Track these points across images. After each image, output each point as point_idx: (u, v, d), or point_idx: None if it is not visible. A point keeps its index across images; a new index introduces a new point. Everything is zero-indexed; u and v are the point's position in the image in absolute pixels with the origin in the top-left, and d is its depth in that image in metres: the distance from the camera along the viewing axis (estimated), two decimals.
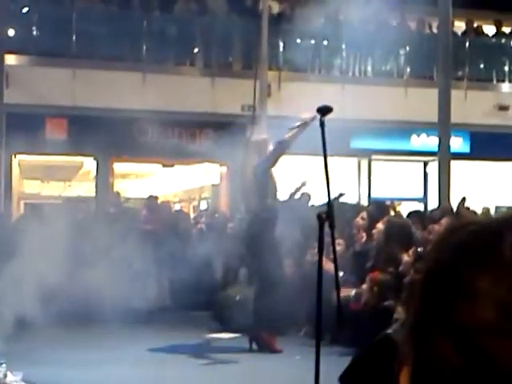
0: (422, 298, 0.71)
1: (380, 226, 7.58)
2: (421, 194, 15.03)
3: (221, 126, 12.62)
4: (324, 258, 7.77)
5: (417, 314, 0.71)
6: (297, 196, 10.93)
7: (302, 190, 10.91)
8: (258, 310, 6.92)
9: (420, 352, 0.70)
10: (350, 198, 12.56)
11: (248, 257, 7.32)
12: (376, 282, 6.72)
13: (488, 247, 0.69)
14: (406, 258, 6.58)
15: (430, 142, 13.81)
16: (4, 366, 4.74)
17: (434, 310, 0.69)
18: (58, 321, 7.38)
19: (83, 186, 14.78)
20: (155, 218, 10.14)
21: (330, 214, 3.63)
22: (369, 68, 14.73)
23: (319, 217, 3.65)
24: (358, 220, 8.47)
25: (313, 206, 10.90)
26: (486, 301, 0.66)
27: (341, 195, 10.38)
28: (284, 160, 14.36)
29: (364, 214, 8.59)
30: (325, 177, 3.87)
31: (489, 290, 0.67)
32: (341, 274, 6.92)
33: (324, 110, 3.95)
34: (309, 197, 11.12)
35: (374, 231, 7.75)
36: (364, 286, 6.85)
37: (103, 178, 13.41)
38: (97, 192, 13.40)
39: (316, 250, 8.41)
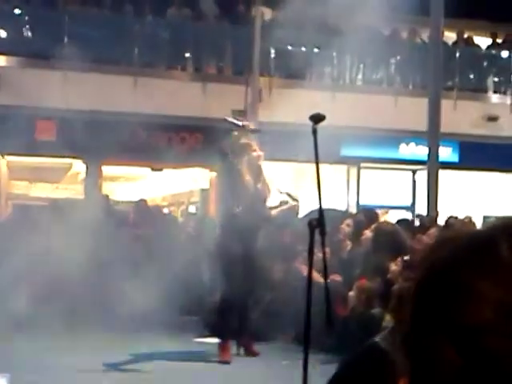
0: (417, 304, 0.72)
1: (368, 233, 7.60)
2: (409, 203, 15.09)
3: (211, 130, 12.63)
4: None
5: (412, 321, 0.72)
6: (285, 206, 10.97)
7: (291, 200, 10.96)
8: (242, 316, 6.97)
9: (419, 358, 0.71)
10: (338, 205, 12.61)
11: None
12: (364, 289, 6.74)
13: (485, 250, 0.71)
14: (393, 266, 6.61)
15: (419, 150, 13.88)
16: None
17: (432, 315, 0.71)
18: (42, 324, 7.39)
19: (71, 188, 14.75)
20: (144, 221, 10.13)
21: (320, 221, 3.64)
22: (359, 76, 14.79)
23: (310, 224, 3.67)
24: (344, 227, 8.50)
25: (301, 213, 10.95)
26: (485, 302, 0.68)
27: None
28: (274, 166, 14.43)
29: (349, 221, 8.62)
30: (316, 184, 3.88)
31: (488, 292, 0.68)
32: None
33: (317, 118, 3.96)
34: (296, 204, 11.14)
35: (363, 238, 7.77)
36: (351, 293, 6.87)
37: (92, 180, 13.40)
38: (85, 194, 13.37)
39: (305, 257, 8.47)
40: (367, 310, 6.61)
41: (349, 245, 8.18)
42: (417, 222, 10.16)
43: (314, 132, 3.93)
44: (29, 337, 6.82)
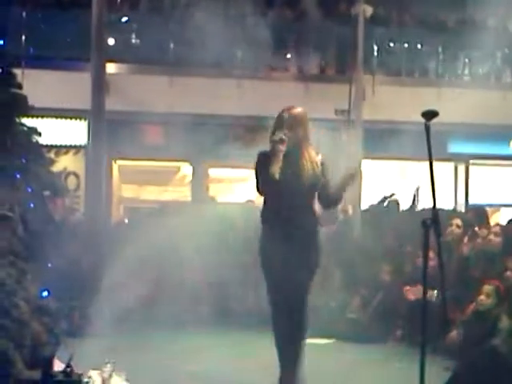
0: None
1: (484, 231, 7.43)
2: None
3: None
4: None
5: None
6: (385, 203, 10.88)
7: (391, 198, 10.86)
8: None
9: None
10: (446, 204, 12.35)
11: None
12: (487, 291, 6.61)
13: None
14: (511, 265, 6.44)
15: None
16: (109, 365, 4.87)
17: None
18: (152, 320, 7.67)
19: (179, 191, 15.08)
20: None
21: (435, 220, 3.58)
22: (465, 71, 14.45)
23: (424, 223, 3.61)
24: (454, 229, 8.28)
25: (403, 211, 10.83)
26: None
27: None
28: (378, 165, 14.22)
29: (459, 221, 8.39)
30: (430, 182, 3.83)
31: None
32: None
33: (429, 115, 3.91)
34: (397, 203, 11.05)
35: (492, 237, 7.59)
36: (482, 297, 6.71)
37: (199, 182, 13.66)
38: (192, 196, 13.65)
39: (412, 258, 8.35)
40: (487, 311, 6.47)
41: (465, 245, 7.98)
42: None
43: (427, 129, 3.88)
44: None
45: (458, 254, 7.89)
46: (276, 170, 4.93)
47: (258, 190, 5.04)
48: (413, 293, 7.74)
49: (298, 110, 5.25)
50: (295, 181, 4.99)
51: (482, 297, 6.64)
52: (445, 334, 6.37)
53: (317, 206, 5.20)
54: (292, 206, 4.94)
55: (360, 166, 5.77)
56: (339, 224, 10.35)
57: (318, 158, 5.14)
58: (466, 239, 8.00)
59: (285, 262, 4.87)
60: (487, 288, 6.67)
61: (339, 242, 9.67)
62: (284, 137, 4.97)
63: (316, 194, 5.10)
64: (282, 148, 4.96)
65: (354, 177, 5.11)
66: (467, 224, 8.31)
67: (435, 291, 6.76)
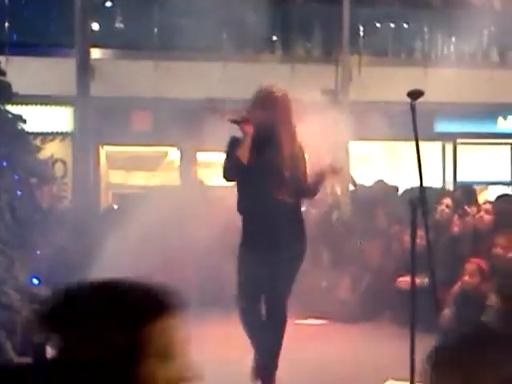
0: None
1: (485, 213, 7.45)
2: (508, 178, 14.66)
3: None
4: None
5: None
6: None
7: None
8: None
9: None
10: (434, 183, 12.38)
11: None
12: (474, 270, 6.64)
13: None
14: (500, 242, 6.47)
15: None
16: None
17: None
18: None
19: (168, 176, 15.05)
20: None
21: (423, 200, 3.58)
22: (452, 50, 14.43)
23: (411, 202, 3.61)
24: (444, 208, 8.28)
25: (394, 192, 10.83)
26: None
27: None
28: (366, 146, 14.24)
29: (449, 201, 8.39)
30: (417, 161, 3.83)
31: None
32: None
33: (415, 94, 3.91)
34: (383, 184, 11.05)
35: (481, 215, 7.59)
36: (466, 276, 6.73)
37: (186, 167, 13.63)
38: (181, 181, 13.63)
39: (401, 237, 8.36)
40: (473, 290, 6.50)
41: (454, 224, 7.97)
42: None
43: (413, 108, 3.87)
44: None
45: (449, 233, 7.91)
46: (243, 153, 4.52)
47: (224, 175, 4.66)
48: (406, 284, 7.76)
49: (275, 89, 4.81)
50: (268, 167, 4.56)
51: (466, 277, 6.67)
52: (436, 314, 6.39)
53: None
54: (264, 194, 4.53)
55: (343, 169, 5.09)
56: (328, 206, 10.35)
57: (299, 145, 4.72)
58: (455, 218, 8.01)
59: (260, 259, 4.49)
60: (470, 267, 6.69)
61: (329, 223, 9.69)
62: (240, 117, 4.54)
63: (292, 181, 4.64)
64: (248, 129, 4.53)
65: (336, 174, 4.75)
66: (456, 203, 8.32)
67: (426, 279, 6.79)
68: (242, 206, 4.70)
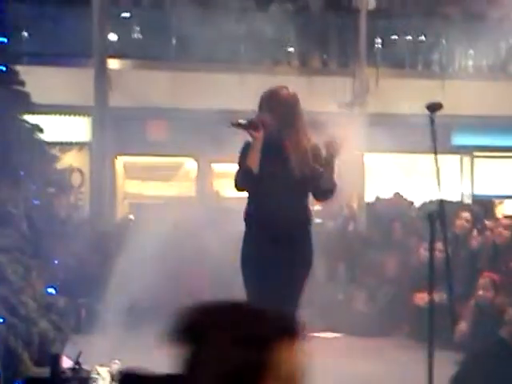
0: None
1: (491, 224, 7.40)
2: None
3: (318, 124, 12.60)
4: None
5: None
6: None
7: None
8: None
9: None
10: (452, 196, 12.31)
11: None
12: (491, 283, 6.59)
13: None
14: None
15: None
16: (118, 362, 4.86)
17: None
18: (160, 316, 7.59)
19: (183, 186, 15.07)
20: None
21: (441, 214, 3.56)
22: (470, 62, 14.39)
23: (430, 216, 3.59)
24: (463, 222, 8.20)
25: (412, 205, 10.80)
26: None
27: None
28: (384, 158, 14.19)
29: (468, 215, 8.30)
30: (436, 174, 3.81)
31: None
32: None
33: (433, 107, 3.88)
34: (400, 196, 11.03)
35: (501, 230, 7.55)
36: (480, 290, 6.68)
37: (203, 177, 13.65)
38: (197, 192, 13.64)
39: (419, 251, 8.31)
40: (489, 305, 6.45)
41: (474, 238, 7.92)
42: None
43: (432, 121, 3.85)
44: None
45: (467, 247, 7.85)
46: (252, 162, 4.21)
47: (234, 185, 4.37)
48: (424, 300, 7.70)
49: (283, 90, 4.43)
50: (280, 175, 4.26)
51: (480, 291, 6.62)
52: (453, 329, 6.35)
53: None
54: (277, 204, 4.20)
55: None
56: (344, 219, 10.33)
57: (312, 147, 4.36)
58: (474, 232, 7.96)
59: (266, 274, 4.24)
60: (483, 281, 6.64)
61: (344, 236, 9.65)
62: (247, 122, 4.22)
63: (308, 187, 4.33)
64: (258, 135, 4.20)
65: (335, 151, 4.25)
66: (475, 217, 8.26)
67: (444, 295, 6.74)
68: (251, 215, 4.46)
